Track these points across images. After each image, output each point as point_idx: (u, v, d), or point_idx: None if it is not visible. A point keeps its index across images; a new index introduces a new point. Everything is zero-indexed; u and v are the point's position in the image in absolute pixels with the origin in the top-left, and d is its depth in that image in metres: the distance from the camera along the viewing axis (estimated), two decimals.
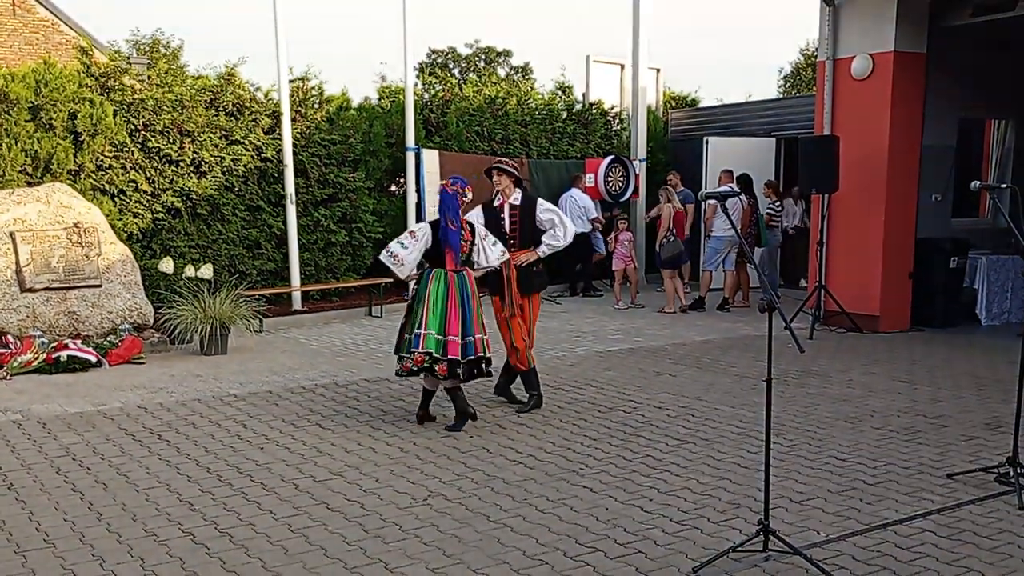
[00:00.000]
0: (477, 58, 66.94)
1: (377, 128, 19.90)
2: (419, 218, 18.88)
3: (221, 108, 17.79)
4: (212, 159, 17.41)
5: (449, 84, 23.61)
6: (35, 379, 12.48)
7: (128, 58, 19.76)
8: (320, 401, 11.25)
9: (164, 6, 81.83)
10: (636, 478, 8.33)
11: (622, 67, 24.11)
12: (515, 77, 56.18)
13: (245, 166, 17.77)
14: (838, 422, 10.22)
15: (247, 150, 17.83)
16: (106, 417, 10.48)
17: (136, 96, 16.98)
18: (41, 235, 14.06)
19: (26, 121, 15.67)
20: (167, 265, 15.13)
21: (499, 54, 67.20)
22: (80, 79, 16.55)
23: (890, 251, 15.81)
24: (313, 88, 19.35)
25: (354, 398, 11.42)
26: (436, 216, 10.16)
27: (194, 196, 17.22)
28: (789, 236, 20.47)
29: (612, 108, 24.10)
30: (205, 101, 17.65)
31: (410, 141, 18.85)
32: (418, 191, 18.82)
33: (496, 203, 10.84)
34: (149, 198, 16.88)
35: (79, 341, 13.48)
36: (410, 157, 18.88)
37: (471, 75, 54.95)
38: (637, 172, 21.83)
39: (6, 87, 15.55)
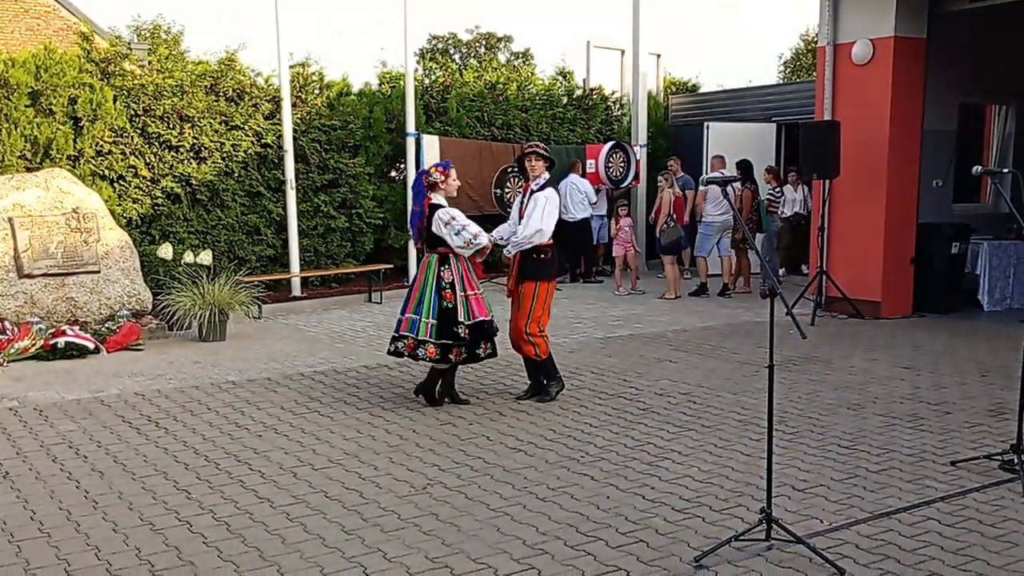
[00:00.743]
0: (478, 44, 66.90)
1: (377, 114, 19.87)
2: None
3: (221, 94, 17.77)
4: (212, 145, 17.38)
5: (450, 70, 23.56)
6: (32, 366, 12.45)
7: (129, 44, 19.70)
8: (319, 388, 11.20)
9: None
10: (637, 466, 8.28)
11: (623, 53, 24.10)
12: (515, 63, 56.07)
13: (245, 152, 17.74)
14: (840, 409, 10.17)
15: (247, 136, 17.80)
16: (103, 404, 10.44)
17: (136, 82, 16.97)
18: (40, 221, 14.01)
19: (26, 106, 15.64)
20: (166, 251, 15.09)
21: (499, 40, 67.15)
22: (80, 64, 16.51)
23: (891, 237, 15.76)
24: (313, 74, 19.35)
25: (353, 385, 11.37)
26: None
27: (194, 182, 17.20)
28: (789, 223, 20.34)
29: (613, 94, 24.12)
30: (205, 87, 17.64)
31: (410, 127, 18.81)
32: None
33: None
34: (148, 184, 16.85)
35: (77, 327, 13.43)
36: (410, 143, 18.84)
37: (472, 61, 54.94)
38: (638, 158, 21.81)
39: (6, 72, 15.52)
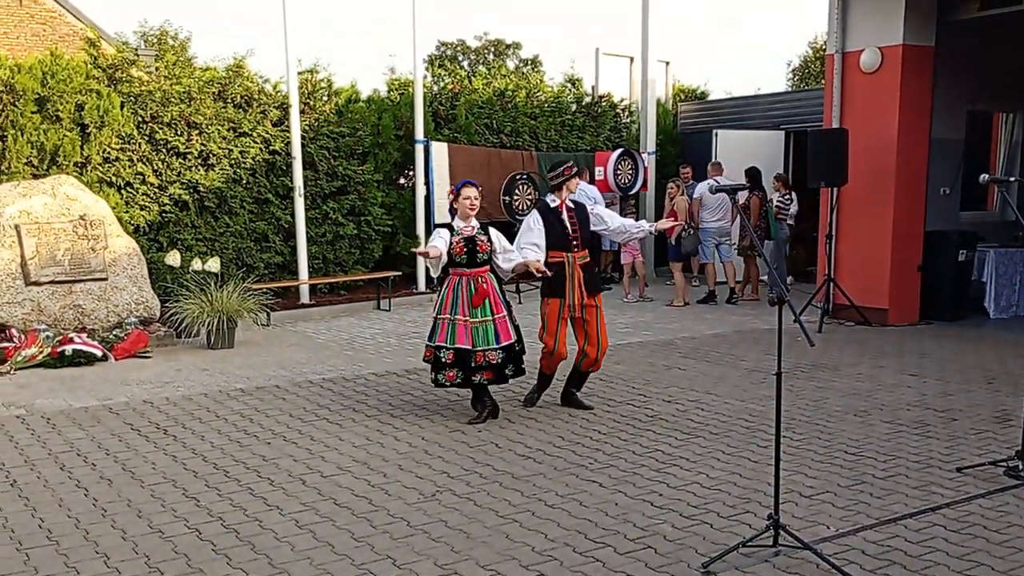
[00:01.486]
0: (486, 50, 66.80)
1: (386, 120, 19.87)
2: (428, 211, 18.89)
3: (229, 100, 17.78)
4: (220, 151, 17.38)
5: (458, 76, 23.60)
6: (40, 373, 12.47)
7: (136, 50, 19.73)
8: (328, 395, 11.22)
9: None
10: (646, 473, 8.30)
11: (631, 60, 24.12)
12: (524, 70, 56.08)
13: (253, 159, 17.75)
14: (847, 416, 10.18)
15: (255, 142, 17.81)
16: (111, 412, 10.46)
17: (143, 88, 16.97)
18: (47, 228, 14.02)
19: (32, 113, 15.64)
20: (174, 258, 15.12)
21: (508, 46, 67.09)
22: (87, 71, 16.52)
23: (899, 244, 15.76)
24: (322, 80, 19.35)
25: (362, 392, 11.38)
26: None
27: (201, 189, 17.20)
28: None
29: (621, 101, 24.13)
30: (213, 93, 17.64)
31: (419, 134, 18.87)
32: (427, 184, 18.85)
33: (554, 204, 10.47)
34: (156, 190, 16.86)
35: (84, 335, 13.45)
36: (419, 150, 18.91)
37: (480, 67, 54.91)
38: (646, 165, 21.79)
39: (13, 78, 15.53)
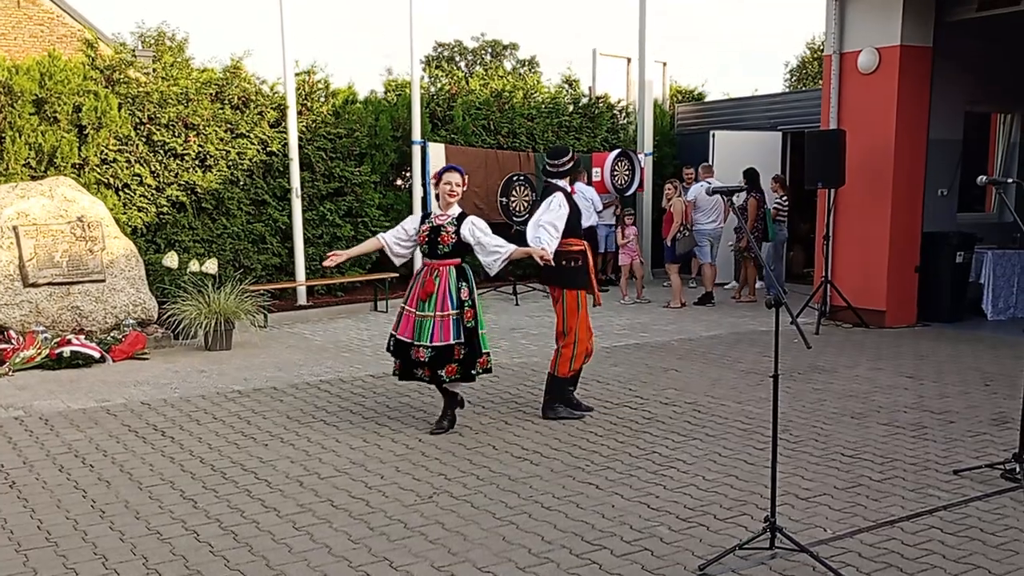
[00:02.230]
0: (483, 51, 66.90)
1: (383, 122, 19.90)
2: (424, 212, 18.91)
3: (226, 101, 17.79)
4: (217, 153, 17.41)
5: (455, 77, 23.64)
6: (38, 375, 12.47)
7: (133, 51, 19.74)
8: (325, 397, 11.23)
9: None
10: (642, 474, 8.31)
11: (628, 61, 24.16)
12: (521, 71, 56.13)
13: (250, 160, 17.77)
14: (844, 418, 10.20)
15: (252, 144, 17.83)
16: (109, 413, 10.46)
17: (141, 89, 16.98)
18: (45, 229, 14.03)
19: (30, 114, 15.66)
20: (171, 260, 15.13)
21: (505, 47, 67.17)
22: (85, 72, 16.54)
23: (896, 246, 15.78)
24: (319, 81, 19.37)
25: (359, 394, 11.40)
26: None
27: (199, 190, 17.23)
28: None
29: (619, 102, 24.16)
30: (210, 94, 17.66)
31: (416, 135, 18.88)
32: (424, 185, 18.83)
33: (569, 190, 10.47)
34: (154, 192, 16.89)
35: (82, 336, 13.46)
36: (416, 151, 18.91)
37: (477, 68, 54.97)
38: (643, 166, 21.78)
39: (10, 80, 15.55)
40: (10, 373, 12.42)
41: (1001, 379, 12.09)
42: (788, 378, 11.88)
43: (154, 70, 18.02)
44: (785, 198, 19.48)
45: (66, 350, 12.93)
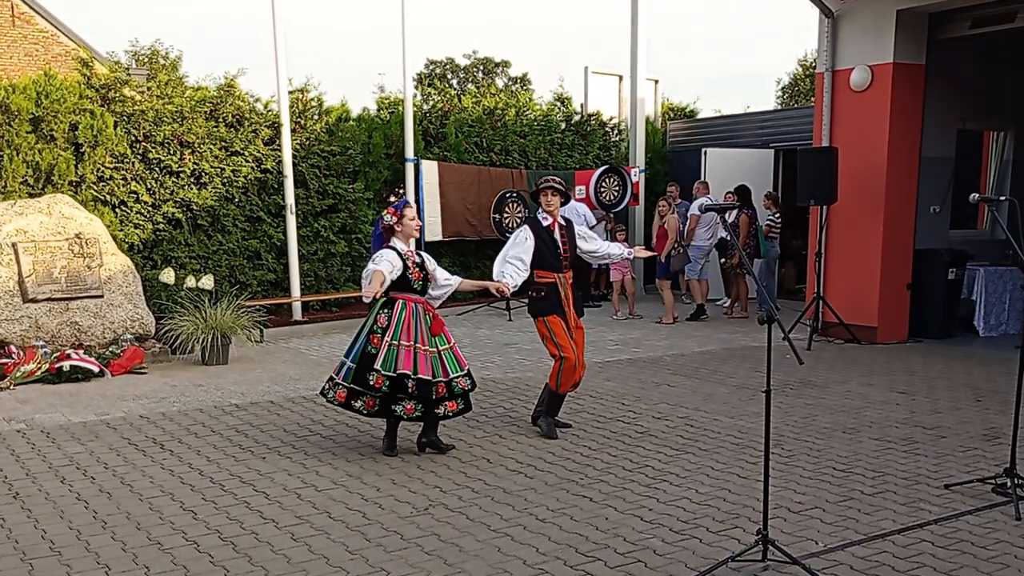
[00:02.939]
0: (475, 69, 67.03)
1: (376, 139, 19.96)
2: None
3: (221, 119, 17.84)
4: (212, 170, 17.46)
5: (448, 95, 23.68)
6: (38, 389, 12.53)
7: (127, 69, 19.80)
8: (321, 411, 11.28)
9: (164, 16, 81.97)
10: (635, 488, 8.38)
11: (620, 78, 24.20)
12: (513, 88, 56.24)
13: (245, 177, 17.83)
14: (836, 433, 10.27)
15: (247, 161, 17.89)
16: (109, 426, 10.53)
17: (136, 107, 17.03)
18: (43, 246, 14.11)
19: (27, 132, 15.72)
20: (168, 276, 15.19)
21: (497, 65, 67.29)
22: (81, 90, 16.57)
23: (888, 262, 15.85)
24: (313, 99, 19.42)
25: None
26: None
27: (194, 207, 17.28)
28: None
29: (611, 119, 24.18)
30: (205, 112, 17.70)
31: (409, 152, 18.96)
32: (417, 202, 18.88)
33: (547, 223, 10.17)
34: (150, 209, 16.93)
35: (81, 351, 13.52)
36: (409, 168, 18.98)
37: (470, 86, 55.05)
38: (635, 179, 21.74)
39: (7, 98, 15.60)
40: (11, 387, 12.49)
41: (992, 395, 12.16)
42: (780, 393, 11.94)
43: (149, 88, 18.09)
44: (778, 215, 19.55)
45: (66, 364, 13.01)
